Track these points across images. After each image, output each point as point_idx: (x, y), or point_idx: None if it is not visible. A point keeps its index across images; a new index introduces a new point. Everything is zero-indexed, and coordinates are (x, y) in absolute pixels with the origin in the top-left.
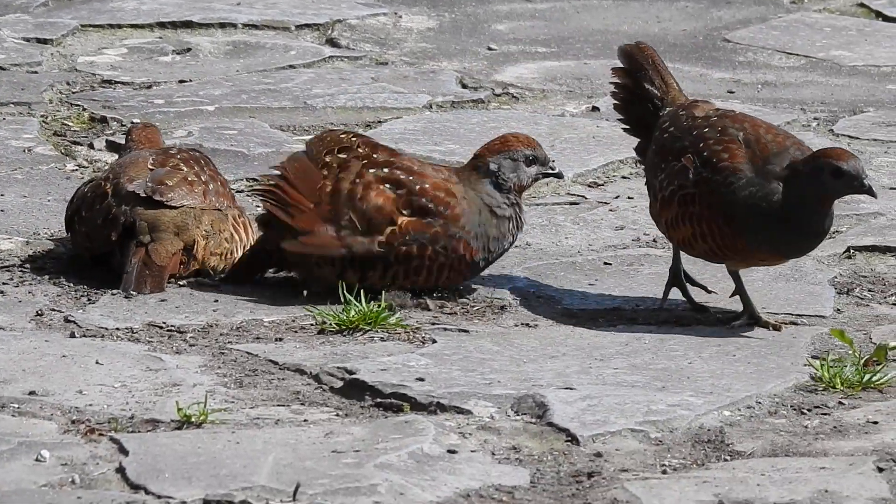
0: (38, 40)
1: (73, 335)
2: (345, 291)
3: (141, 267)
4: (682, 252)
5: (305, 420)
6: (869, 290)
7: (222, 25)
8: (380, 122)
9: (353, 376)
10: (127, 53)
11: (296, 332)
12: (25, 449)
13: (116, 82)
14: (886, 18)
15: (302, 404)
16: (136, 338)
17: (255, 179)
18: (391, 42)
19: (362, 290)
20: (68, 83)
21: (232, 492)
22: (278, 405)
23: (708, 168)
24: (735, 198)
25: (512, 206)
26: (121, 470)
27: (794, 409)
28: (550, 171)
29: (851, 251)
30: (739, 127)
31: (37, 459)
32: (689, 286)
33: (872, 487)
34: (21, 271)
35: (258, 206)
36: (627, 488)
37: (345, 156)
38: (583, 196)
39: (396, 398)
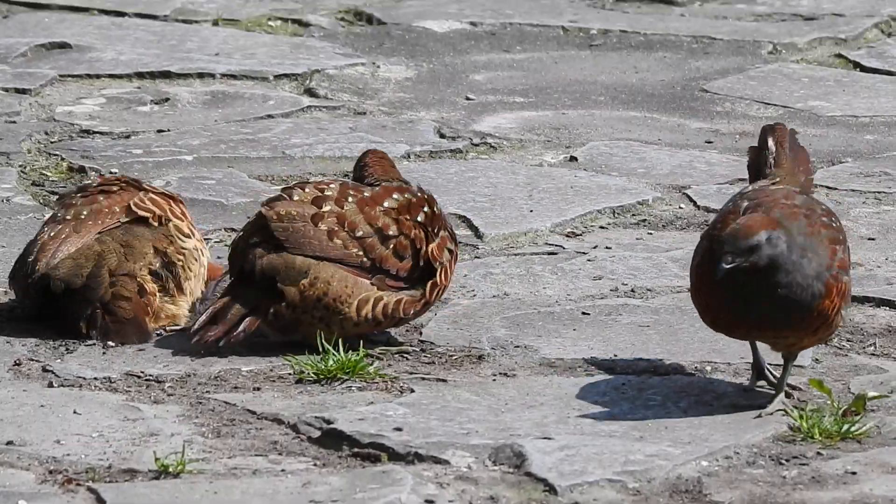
0: (17, 90)
1: (51, 385)
2: (322, 341)
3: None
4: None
5: (283, 470)
6: (847, 341)
7: (201, 76)
8: None
9: (331, 426)
10: (105, 103)
11: (274, 381)
12: (3, 499)
13: (95, 132)
14: (864, 69)
15: (280, 454)
16: (114, 387)
17: (233, 229)
18: (369, 92)
19: (340, 340)
20: (47, 133)
21: None
22: (256, 455)
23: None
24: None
25: None
26: None
27: (773, 460)
28: None
29: None
30: (751, 196)
31: None
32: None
33: None
34: None
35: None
36: None
37: None
38: (561, 246)
39: (374, 448)
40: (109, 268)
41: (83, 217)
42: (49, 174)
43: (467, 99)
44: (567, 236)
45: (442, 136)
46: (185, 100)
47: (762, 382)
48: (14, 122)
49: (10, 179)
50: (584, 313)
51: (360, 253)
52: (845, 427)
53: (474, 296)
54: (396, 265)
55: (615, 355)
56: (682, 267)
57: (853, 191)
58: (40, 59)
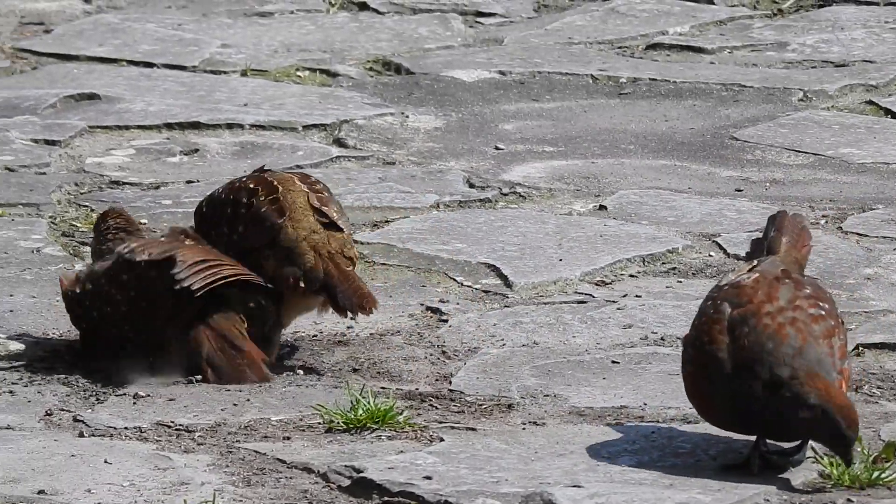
0: (47, 141)
1: (81, 434)
2: (352, 390)
3: None
4: None
5: None
6: (878, 388)
7: (230, 126)
8: (387, 221)
9: (361, 475)
10: (135, 154)
11: (303, 430)
12: None
13: (124, 183)
14: (895, 116)
15: (310, 503)
16: (145, 437)
17: None
18: (398, 142)
19: (370, 390)
20: (76, 184)
21: None
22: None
23: None
24: None
25: None
26: None
27: None
28: None
29: (860, 348)
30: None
31: None
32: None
33: None
34: (30, 371)
35: None
36: None
37: None
38: (590, 294)
39: (404, 496)
40: None
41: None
42: (79, 225)
43: (496, 148)
44: (597, 285)
45: (471, 185)
46: (215, 150)
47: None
48: (44, 173)
49: (41, 230)
50: (613, 362)
51: None
52: (875, 474)
53: (504, 345)
54: None
55: (645, 403)
56: None
57: (884, 237)
58: (69, 111)
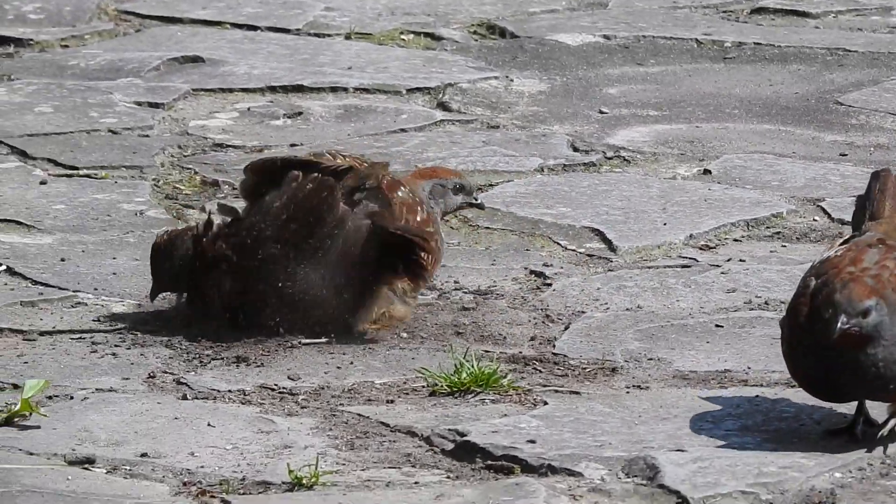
0: (150, 104)
1: (184, 397)
2: (456, 353)
3: None
4: None
5: (416, 482)
6: None
7: (333, 90)
8: (491, 185)
9: (465, 438)
10: (238, 117)
11: (407, 394)
12: None
13: (228, 146)
14: None
15: (413, 466)
16: (248, 400)
17: None
18: (502, 105)
19: (474, 353)
20: (180, 146)
21: None
22: (389, 467)
23: None
24: None
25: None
26: None
27: None
28: (474, 202)
29: None
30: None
31: None
32: None
33: None
34: (133, 334)
35: None
36: None
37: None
38: (694, 259)
39: (507, 460)
40: None
41: None
42: (182, 188)
43: (601, 112)
44: (701, 249)
45: (575, 149)
46: (318, 114)
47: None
48: (147, 135)
49: (144, 193)
50: (717, 326)
51: None
52: None
53: (607, 309)
54: None
55: (749, 367)
56: None
57: None
58: (173, 73)
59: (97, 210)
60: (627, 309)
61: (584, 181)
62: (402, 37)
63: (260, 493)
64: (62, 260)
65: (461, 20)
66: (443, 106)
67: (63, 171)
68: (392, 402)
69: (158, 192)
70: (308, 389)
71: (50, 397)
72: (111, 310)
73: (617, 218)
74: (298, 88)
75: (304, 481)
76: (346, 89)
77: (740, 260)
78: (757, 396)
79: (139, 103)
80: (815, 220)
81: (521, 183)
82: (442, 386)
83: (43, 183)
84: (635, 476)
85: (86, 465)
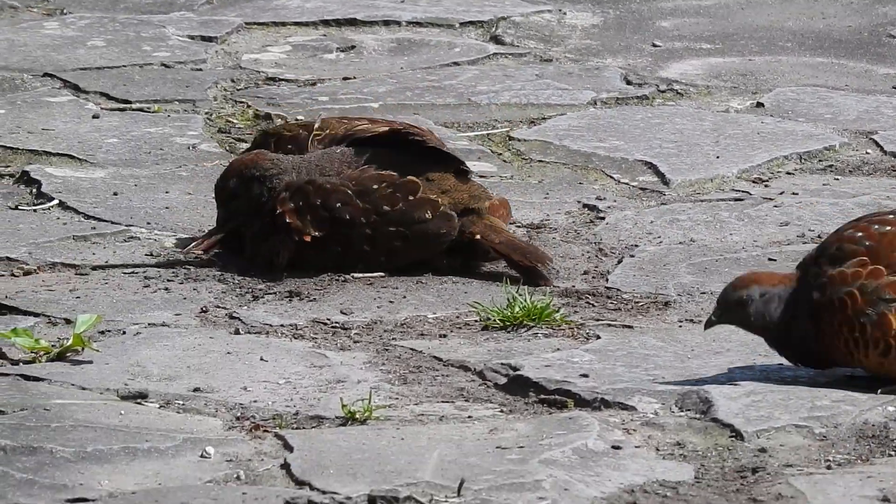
0: (203, 38)
1: (237, 332)
2: (508, 287)
3: None
4: None
5: (470, 416)
6: None
7: (386, 23)
8: (544, 118)
9: (517, 373)
10: (291, 51)
11: (460, 328)
12: (190, 445)
13: (281, 80)
14: None
15: (466, 401)
16: (301, 335)
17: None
18: (555, 39)
19: (526, 287)
20: (233, 80)
21: (397, 487)
22: (442, 402)
23: None
24: None
25: None
26: (285, 466)
27: None
28: None
29: None
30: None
31: (202, 456)
32: None
33: None
34: (185, 268)
35: None
36: (792, 483)
37: None
38: (747, 192)
39: (560, 394)
40: None
41: None
42: (235, 121)
43: (654, 45)
44: (753, 182)
45: (628, 82)
46: (371, 47)
47: None
48: (200, 69)
49: (197, 126)
50: (770, 259)
51: None
52: None
53: (660, 242)
54: None
55: None
56: (869, 212)
57: None
58: (226, 7)
59: (150, 144)
60: (680, 242)
61: (637, 114)
62: None
63: (313, 427)
64: (115, 194)
65: None
66: (496, 39)
67: (116, 104)
68: (445, 336)
69: (211, 126)
70: (361, 324)
71: (102, 332)
72: (164, 244)
73: (670, 151)
74: (351, 22)
75: (357, 416)
76: (398, 23)
77: (793, 193)
78: None
79: (192, 37)
80: (867, 153)
81: (574, 116)
82: (494, 320)
83: (95, 117)
84: (688, 410)
85: (139, 400)
